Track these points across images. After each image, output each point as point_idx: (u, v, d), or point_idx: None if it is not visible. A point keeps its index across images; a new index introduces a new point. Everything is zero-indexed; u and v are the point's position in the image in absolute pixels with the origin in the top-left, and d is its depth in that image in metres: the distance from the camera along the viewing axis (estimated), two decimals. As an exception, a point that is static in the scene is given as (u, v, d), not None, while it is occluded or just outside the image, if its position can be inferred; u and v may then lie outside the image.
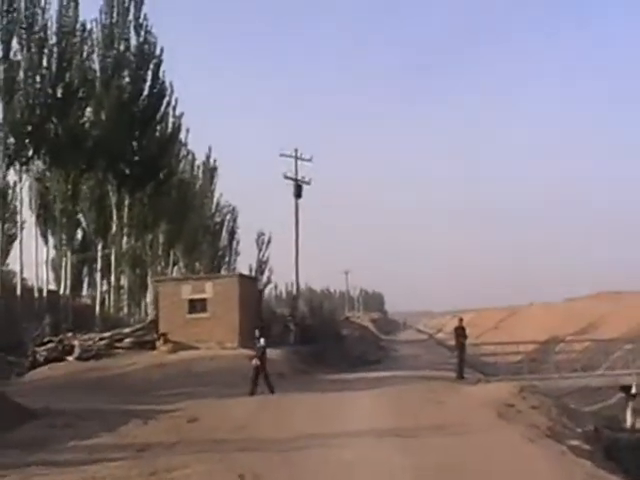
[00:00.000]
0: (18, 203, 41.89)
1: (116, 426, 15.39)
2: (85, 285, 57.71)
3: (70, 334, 32.13)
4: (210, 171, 63.22)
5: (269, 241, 66.88)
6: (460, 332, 28.55)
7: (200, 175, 61.98)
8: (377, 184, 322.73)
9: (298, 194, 44.53)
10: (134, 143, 43.40)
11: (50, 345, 30.90)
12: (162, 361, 28.72)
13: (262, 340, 22.59)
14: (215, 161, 63.68)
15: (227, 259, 67.21)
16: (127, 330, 33.53)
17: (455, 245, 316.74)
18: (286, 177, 44.54)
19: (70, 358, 30.04)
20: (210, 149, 63.16)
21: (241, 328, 32.60)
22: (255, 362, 22.12)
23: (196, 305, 33.78)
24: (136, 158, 43.37)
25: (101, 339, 31.85)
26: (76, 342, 30.98)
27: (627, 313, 55.79)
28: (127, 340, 32.29)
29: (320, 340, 39.40)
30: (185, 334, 32.36)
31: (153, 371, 26.59)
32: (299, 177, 44.84)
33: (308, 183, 45.10)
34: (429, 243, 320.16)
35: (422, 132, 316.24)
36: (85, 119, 41.99)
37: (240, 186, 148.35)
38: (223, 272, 56.95)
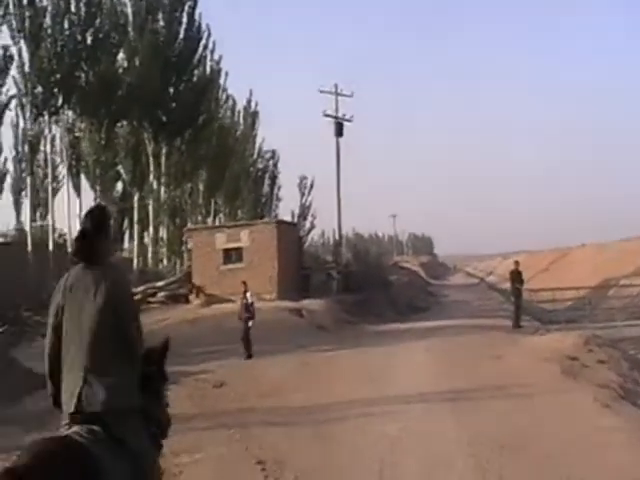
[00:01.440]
0: (49, 155, 40.84)
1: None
2: (126, 237, 56.59)
3: (100, 289, 30.76)
4: (251, 116, 61.13)
5: (312, 185, 65.26)
6: (516, 277, 26.60)
7: (241, 120, 60.12)
8: (424, 122, 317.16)
9: (339, 132, 42.37)
10: (170, 89, 42.59)
11: (79, 303, 29.58)
12: (194, 316, 27.23)
13: (249, 295, 20.90)
14: (257, 105, 61.61)
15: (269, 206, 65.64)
16: (160, 283, 32.29)
17: (504, 185, 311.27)
18: (326, 115, 42.34)
19: (98, 315, 28.68)
20: (251, 93, 61.27)
21: (280, 278, 31.10)
22: (244, 319, 20.28)
23: (231, 255, 32.33)
24: (173, 104, 42.57)
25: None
26: (105, 298, 29.63)
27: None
28: (161, 294, 31.01)
29: (365, 288, 37.43)
30: (219, 286, 30.90)
31: (184, 327, 24.93)
32: (340, 115, 42.60)
33: (350, 120, 42.99)
34: (478, 184, 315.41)
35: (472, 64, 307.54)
36: (117, 65, 40.97)
37: (281, 129, 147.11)
38: (266, 219, 55.28)
